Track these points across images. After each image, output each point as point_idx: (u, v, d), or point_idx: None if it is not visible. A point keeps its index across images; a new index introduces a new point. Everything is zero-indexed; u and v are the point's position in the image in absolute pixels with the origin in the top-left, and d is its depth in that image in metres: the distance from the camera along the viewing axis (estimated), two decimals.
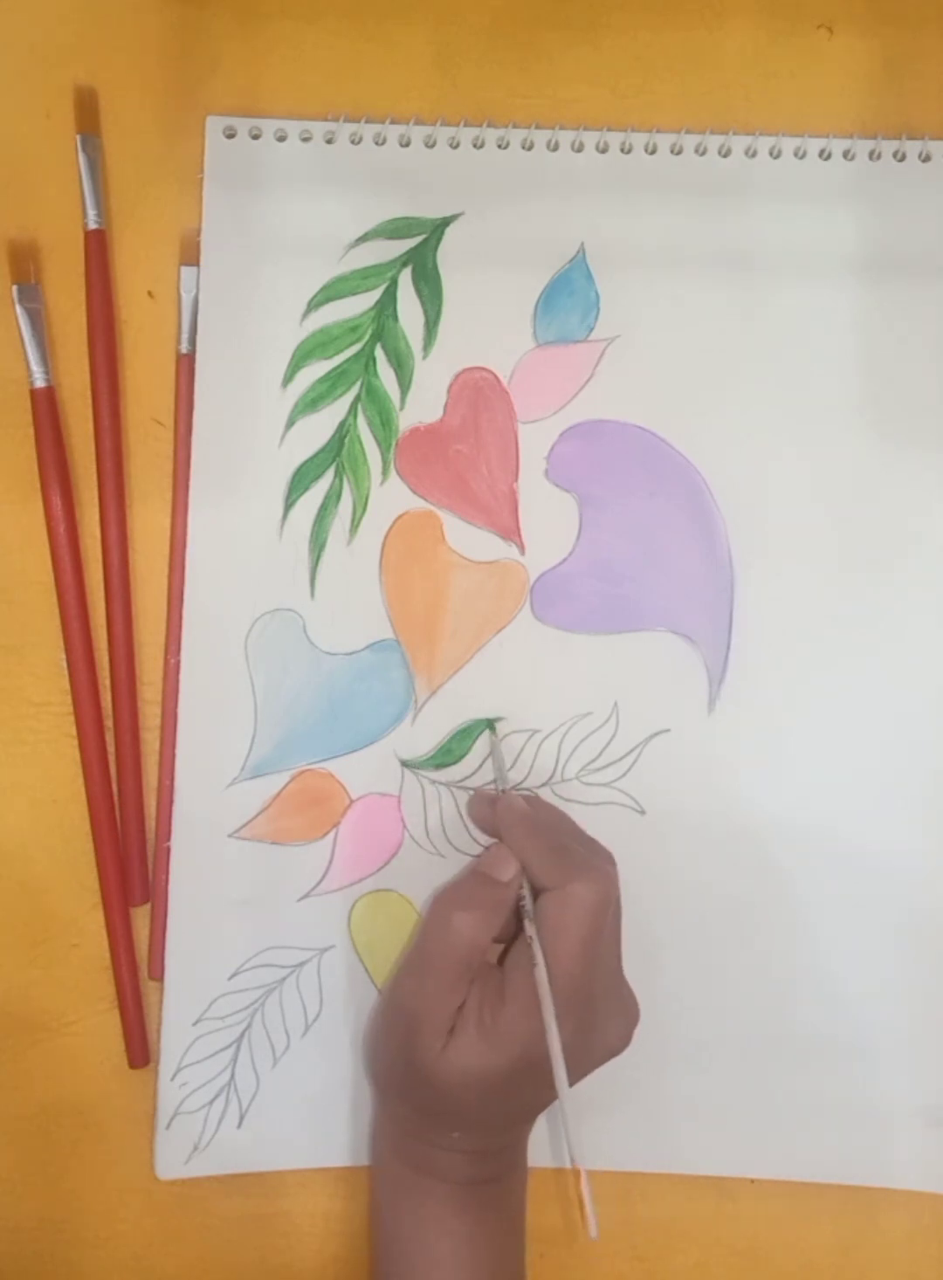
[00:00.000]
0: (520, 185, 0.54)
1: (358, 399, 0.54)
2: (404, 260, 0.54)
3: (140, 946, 0.54)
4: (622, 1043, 0.50)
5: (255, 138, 0.54)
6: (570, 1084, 0.47)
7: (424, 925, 0.49)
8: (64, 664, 0.53)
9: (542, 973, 0.47)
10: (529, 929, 0.48)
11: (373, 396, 0.54)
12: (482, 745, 0.54)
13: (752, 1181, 0.54)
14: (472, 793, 0.53)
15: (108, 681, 0.54)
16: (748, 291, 0.55)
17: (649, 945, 0.53)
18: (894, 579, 0.54)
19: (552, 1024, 0.46)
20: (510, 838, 0.50)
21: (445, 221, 0.54)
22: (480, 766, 0.54)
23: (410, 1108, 0.49)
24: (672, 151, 0.55)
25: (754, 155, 0.55)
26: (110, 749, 0.53)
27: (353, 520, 0.54)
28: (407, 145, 0.54)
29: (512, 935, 0.49)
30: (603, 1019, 0.49)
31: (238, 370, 0.54)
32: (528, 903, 0.48)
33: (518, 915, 0.49)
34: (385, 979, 0.53)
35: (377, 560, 0.54)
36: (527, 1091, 0.48)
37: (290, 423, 0.54)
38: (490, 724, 0.54)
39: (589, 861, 0.49)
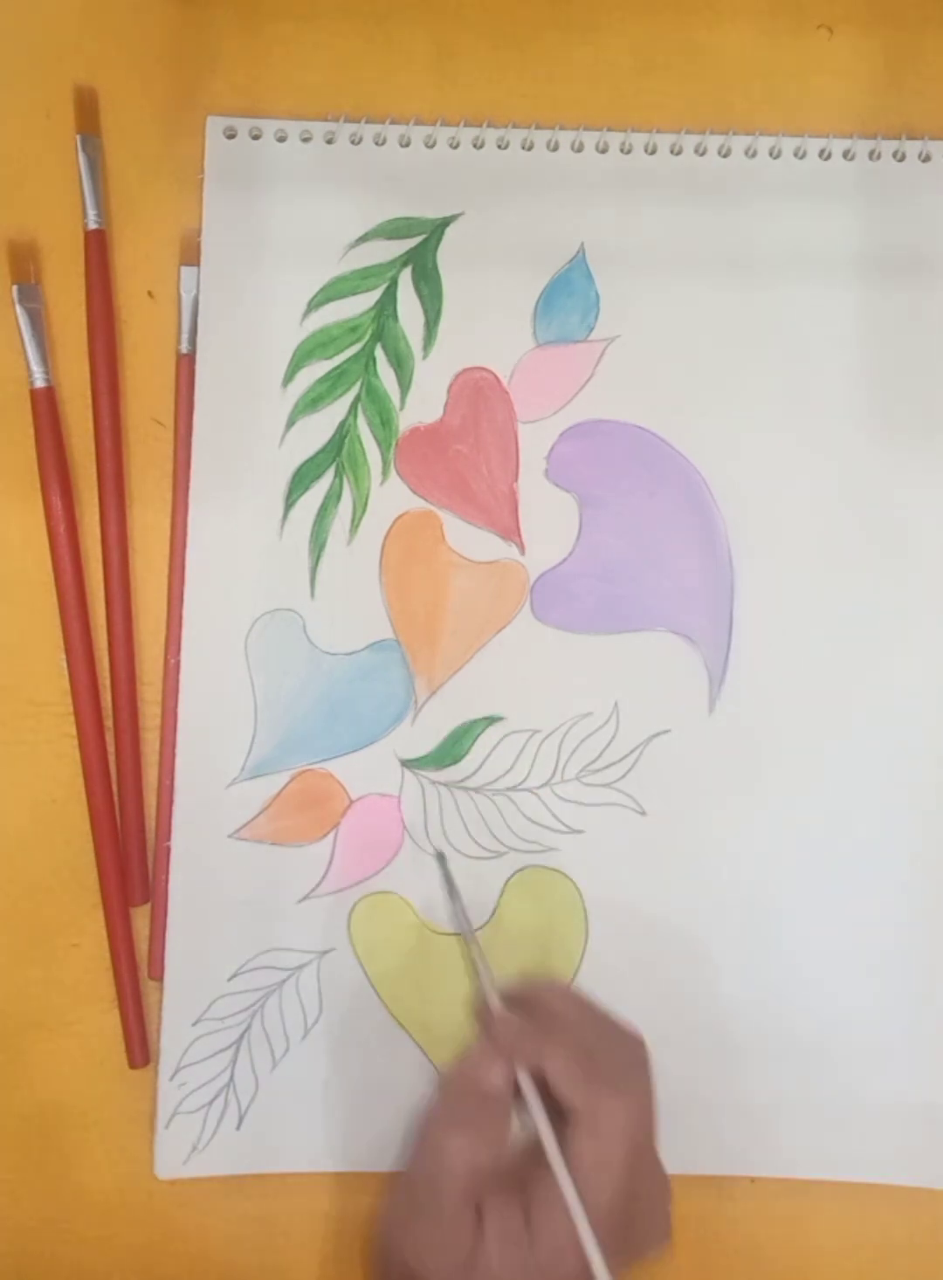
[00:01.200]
0: (520, 185, 0.55)
1: (358, 399, 0.54)
2: (404, 260, 0.54)
3: (140, 946, 0.54)
4: (664, 1235, 0.45)
5: (255, 138, 0.54)
6: None
7: (415, 1150, 0.44)
8: (64, 664, 0.53)
9: (577, 1208, 0.41)
10: (553, 1156, 0.42)
11: (373, 396, 0.54)
12: (482, 745, 0.54)
13: (752, 1181, 0.54)
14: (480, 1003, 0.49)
15: (108, 681, 0.54)
16: (748, 291, 0.55)
17: (649, 946, 0.53)
18: (895, 578, 0.54)
19: (599, 1263, 0.41)
20: (538, 1057, 0.44)
21: (445, 221, 0.54)
22: (481, 766, 0.53)
23: None
24: (672, 151, 0.55)
25: (754, 155, 0.55)
26: (110, 749, 0.53)
27: (353, 520, 0.54)
28: (407, 145, 0.54)
29: (523, 1139, 0.44)
30: (643, 1221, 0.44)
31: (238, 370, 0.54)
32: (542, 1118, 0.43)
33: (517, 1108, 0.44)
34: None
35: (377, 560, 0.54)
36: None
37: (290, 423, 0.54)
38: (440, 856, 0.52)
39: (627, 1081, 0.43)
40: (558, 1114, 0.44)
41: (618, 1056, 0.46)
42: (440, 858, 0.53)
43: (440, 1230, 0.42)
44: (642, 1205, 0.43)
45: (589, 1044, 0.44)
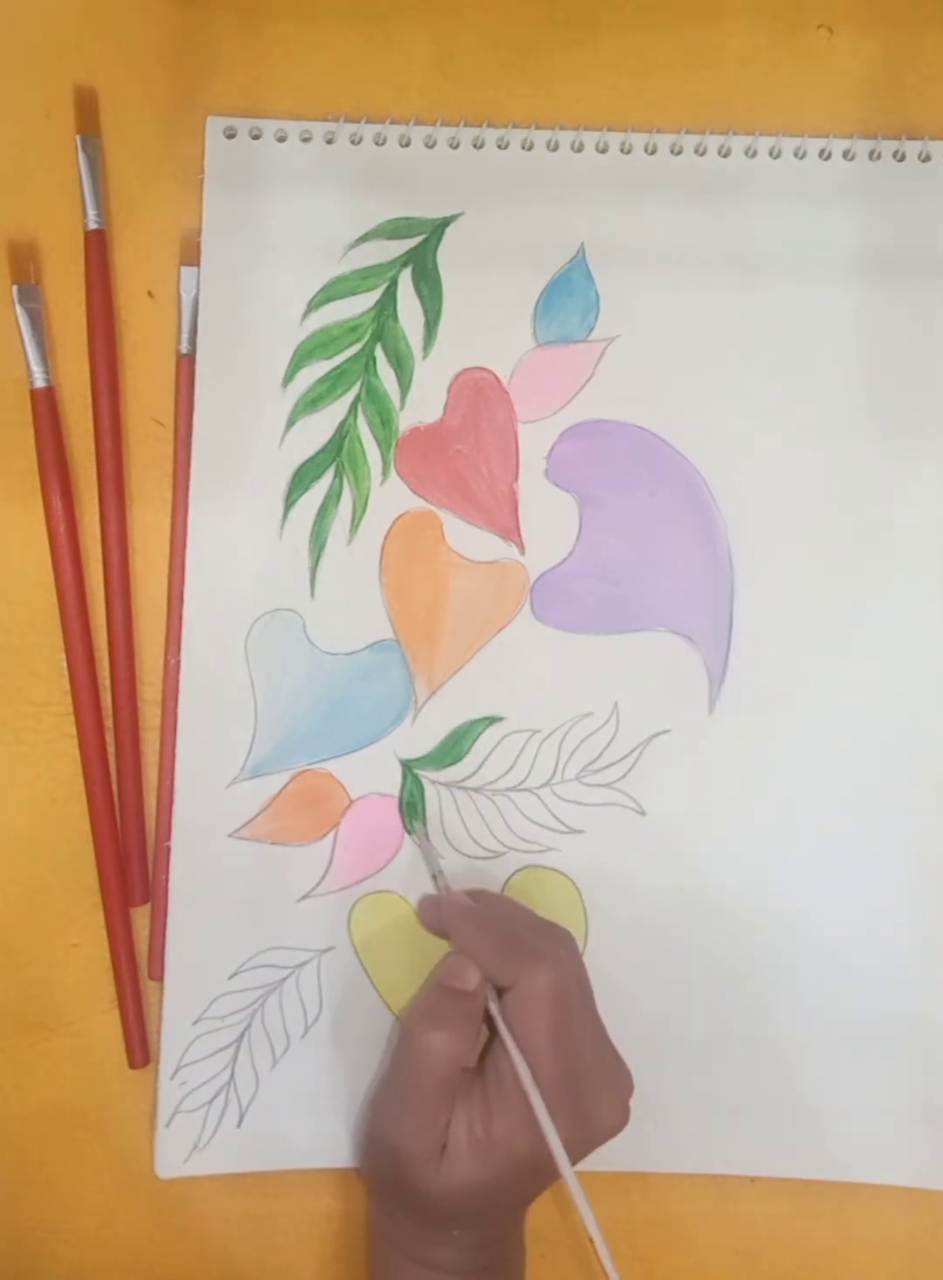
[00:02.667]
0: (520, 185, 0.54)
1: (358, 399, 0.54)
2: (404, 260, 0.54)
3: (140, 946, 0.54)
4: (619, 1120, 0.48)
5: (255, 138, 0.54)
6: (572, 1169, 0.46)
7: (398, 1047, 0.49)
8: (64, 664, 0.53)
9: (526, 1075, 0.46)
10: (503, 1031, 0.47)
11: (373, 396, 0.54)
12: (482, 745, 0.54)
13: (752, 1181, 0.54)
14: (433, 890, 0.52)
15: (108, 681, 0.54)
16: (748, 291, 0.55)
17: (649, 946, 0.53)
18: (895, 578, 0.54)
19: (548, 1125, 0.45)
20: (459, 939, 0.49)
21: (445, 221, 0.54)
22: (481, 766, 0.54)
23: (408, 1215, 0.49)
24: (672, 151, 0.55)
25: (754, 155, 0.55)
26: (110, 749, 0.53)
27: (353, 520, 0.54)
28: (407, 145, 0.54)
29: (485, 1039, 0.49)
30: (594, 1101, 0.47)
31: (238, 370, 0.54)
32: (494, 1005, 0.47)
33: (488, 1018, 0.48)
34: (397, 1002, 0.53)
35: (377, 560, 0.54)
36: (526, 1187, 0.48)
37: (290, 423, 0.54)
38: (411, 823, 0.53)
39: (542, 949, 0.48)
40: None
41: (547, 938, 0.49)
42: (408, 826, 0.54)
43: (421, 1116, 0.47)
44: (589, 1081, 0.47)
45: (516, 933, 0.48)
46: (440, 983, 0.48)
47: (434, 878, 0.52)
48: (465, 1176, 0.46)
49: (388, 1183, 0.49)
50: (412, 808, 0.53)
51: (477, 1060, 0.48)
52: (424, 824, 0.53)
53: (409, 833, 0.53)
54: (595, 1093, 0.48)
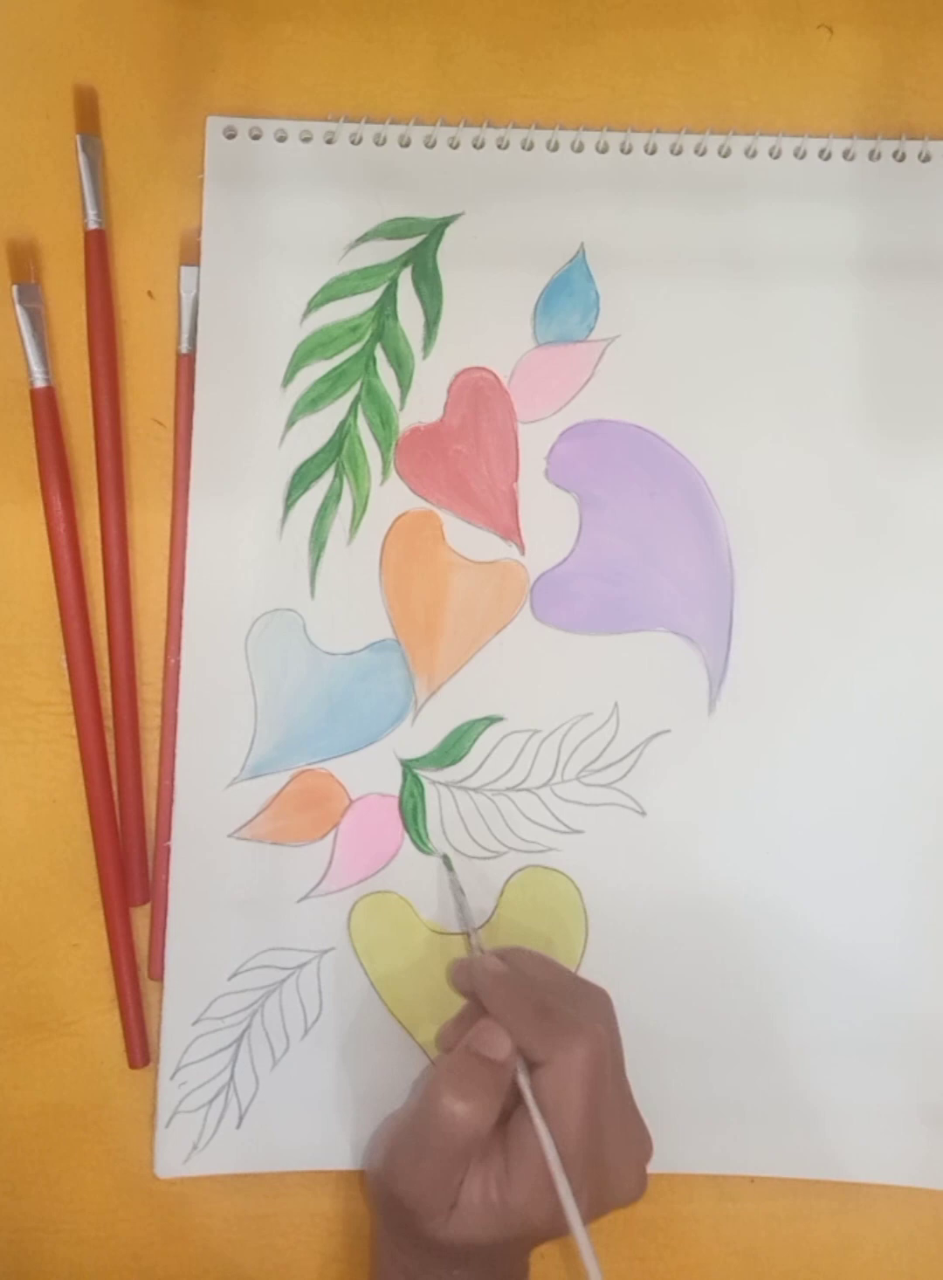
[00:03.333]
0: (520, 185, 0.54)
1: (358, 399, 0.54)
2: (404, 260, 0.54)
3: (140, 946, 0.54)
4: (637, 1188, 0.47)
5: (255, 138, 0.54)
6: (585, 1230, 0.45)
7: (420, 1106, 0.47)
8: (64, 664, 0.53)
9: (552, 1155, 0.45)
10: (531, 1105, 0.46)
11: (373, 396, 0.54)
12: (482, 745, 0.54)
13: (752, 1181, 0.54)
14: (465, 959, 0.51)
15: (108, 681, 0.54)
16: (748, 291, 0.55)
17: (649, 946, 0.53)
18: (895, 577, 0.54)
19: (571, 1204, 0.44)
20: (493, 1007, 0.48)
21: (445, 221, 0.54)
22: (480, 767, 0.54)
23: (413, 1248, 0.48)
24: (672, 151, 0.55)
25: (754, 155, 0.55)
26: (110, 749, 0.53)
27: (353, 520, 0.54)
28: (407, 145, 0.54)
29: (511, 1104, 0.47)
30: (616, 1172, 0.47)
31: (238, 370, 0.54)
32: (523, 1077, 0.46)
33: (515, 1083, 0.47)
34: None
35: (377, 560, 0.54)
36: (536, 1242, 0.48)
37: (290, 423, 0.54)
38: (445, 858, 0.53)
39: (576, 1021, 0.46)
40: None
41: (582, 1007, 0.48)
42: (445, 860, 0.53)
43: (435, 1176, 0.46)
44: (612, 1151, 0.46)
45: (549, 1003, 0.47)
46: (471, 1047, 0.47)
47: (468, 936, 0.52)
48: (475, 1234, 0.46)
49: (395, 1225, 0.48)
50: (446, 860, 0.53)
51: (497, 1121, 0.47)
52: (454, 874, 0.53)
53: (448, 868, 0.53)
54: (618, 1163, 0.47)
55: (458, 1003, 0.52)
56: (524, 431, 0.54)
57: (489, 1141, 0.47)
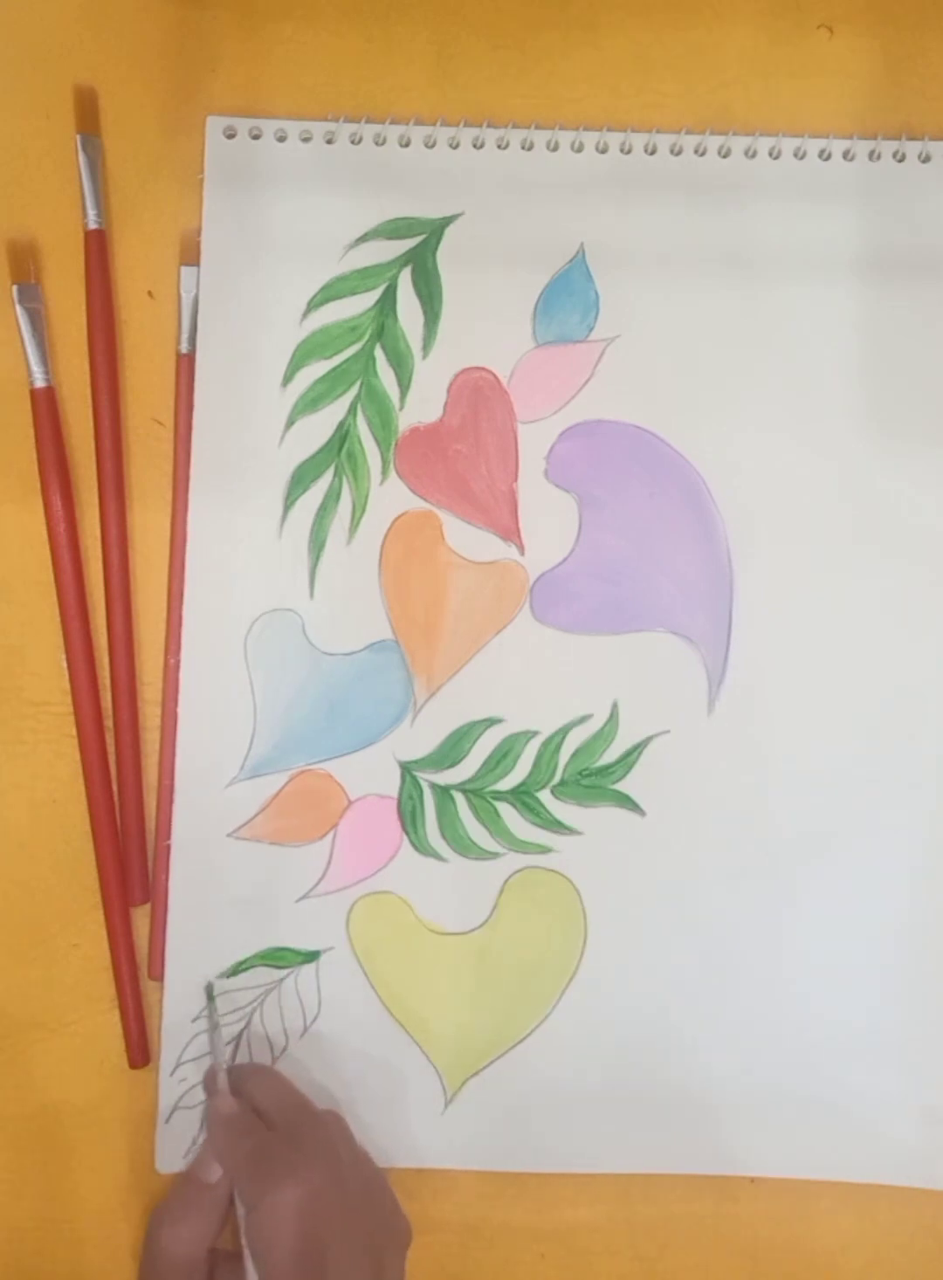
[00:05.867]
0: (520, 185, 0.54)
1: (357, 399, 0.54)
2: (404, 260, 0.54)
3: (140, 946, 0.54)
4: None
5: (255, 138, 0.54)
6: None
7: (143, 1243, 0.49)
8: (64, 664, 0.53)
9: None
10: (244, 1243, 0.47)
11: (372, 396, 0.54)
12: (481, 746, 0.54)
13: (752, 1181, 0.54)
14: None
15: (108, 681, 0.54)
16: (748, 291, 0.54)
17: (648, 947, 0.53)
18: (895, 578, 0.54)
19: None
20: (212, 1146, 0.50)
21: (445, 221, 0.54)
22: (480, 768, 0.54)
23: None
24: (672, 151, 0.55)
25: (754, 155, 0.55)
26: (110, 749, 0.54)
27: (352, 520, 0.54)
28: (407, 145, 0.54)
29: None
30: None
31: (238, 370, 0.54)
32: (241, 1216, 0.47)
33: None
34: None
35: (376, 560, 0.54)
36: None
37: (290, 422, 0.54)
38: (208, 988, 0.53)
39: (290, 1164, 0.47)
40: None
41: (311, 1137, 0.49)
42: (208, 989, 0.53)
43: None
44: (335, 1270, 0.46)
45: (266, 1146, 0.48)
46: (186, 1173, 0.50)
47: (212, 1064, 0.52)
48: None
49: None
50: (208, 989, 0.53)
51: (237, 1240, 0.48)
52: (213, 1005, 0.53)
53: (209, 998, 0.53)
54: (348, 1272, 0.47)
55: (455, 1003, 0.53)
56: (524, 431, 0.54)
57: (233, 1264, 0.48)
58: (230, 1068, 0.52)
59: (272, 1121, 0.50)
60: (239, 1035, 0.53)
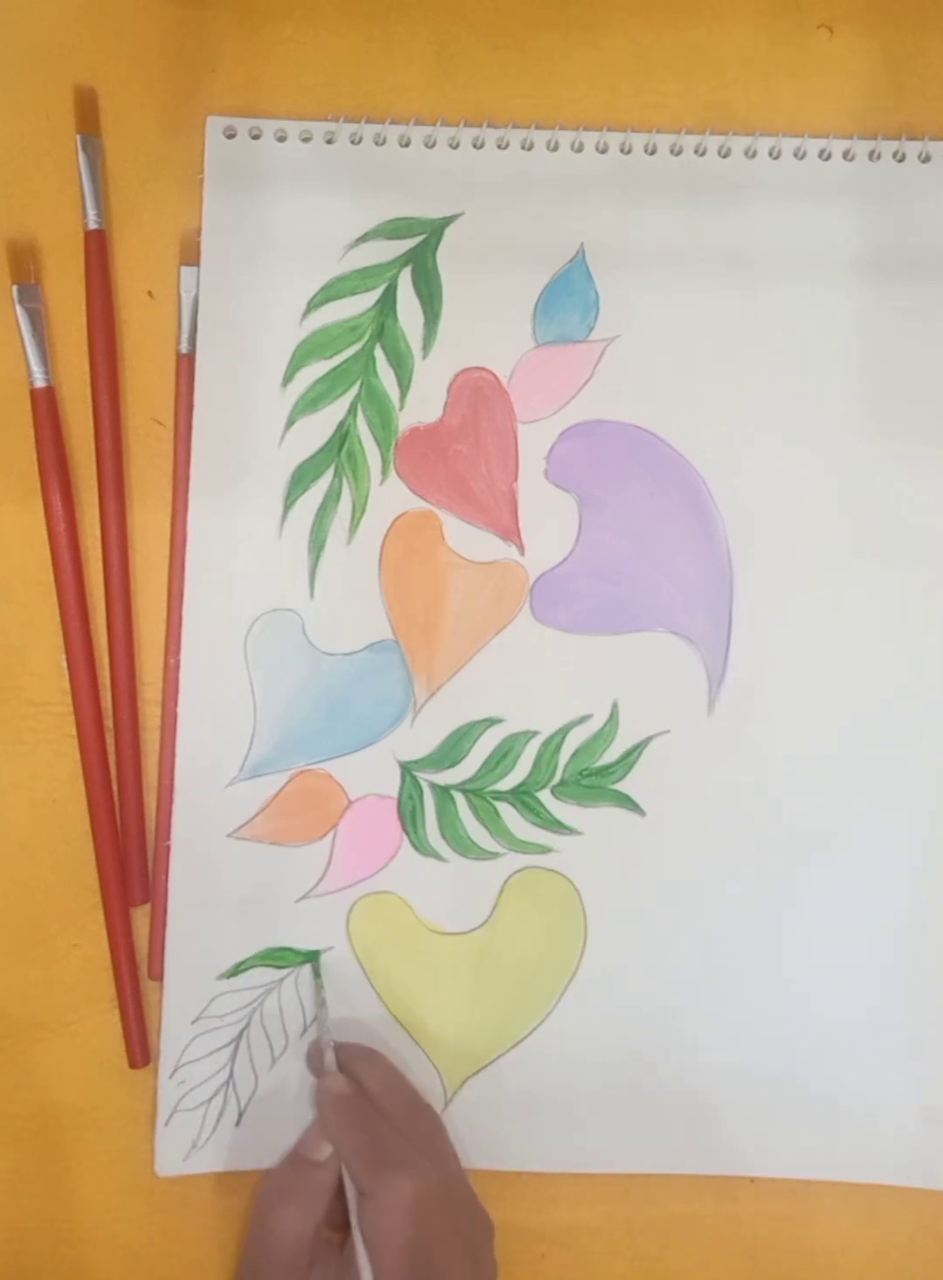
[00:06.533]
0: (520, 185, 0.54)
1: (357, 399, 0.54)
2: (404, 260, 0.54)
3: (140, 946, 0.54)
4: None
5: (255, 138, 0.54)
6: None
7: (252, 1219, 0.49)
8: (64, 664, 0.53)
9: None
10: (356, 1234, 0.47)
11: (372, 396, 0.54)
12: (481, 746, 0.54)
13: (752, 1181, 0.54)
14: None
15: (108, 681, 0.54)
16: (748, 291, 0.54)
17: (648, 947, 0.53)
18: (895, 579, 0.54)
19: None
20: (326, 1128, 0.50)
21: (445, 221, 0.54)
22: (480, 768, 0.54)
23: None
24: (672, 151, 0.55)
25: (754, 155, 0.55)
26: (110, 749, 0.54)
27: (352, 520, 0.54)
28: (407, 145, 0.54)
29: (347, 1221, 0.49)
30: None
31: (238, 370, 0.54)
32: (352, 1197, 0.48)
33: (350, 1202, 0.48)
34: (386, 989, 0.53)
35: (376, 560, 0.54)
36: None
37: (290, 422, 0.54)
38: (313, 963, 0.53)
39: (404, 1154, 0.47)
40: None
41: (415, 1129, 0.50)
42: (314, 968, 0.53)
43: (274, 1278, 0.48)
44: (441, 1267, 0.47)
45: (381, 1135, 0.48)
46: (295, 1150, 0.50)
47: (319, 1040, 0.52)
48: None
49: None
50: (315, 967, 0.53)
51: (346, 1225, 0.48)
52: (320, 981, 0.53)
53: (316, 976, 0.53)
54: (449, 1272, 0.47)
55: (455, 1003, 0.53)
56: (524, 431, 0.54)
57: (328, 1260, 0.49)
58: (338, 1045, 0.51)
59: (381, 1107, 0.50)
60: (238, 1035, 0.53)
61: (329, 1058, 0.51)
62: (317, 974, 0.53)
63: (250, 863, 0.53)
